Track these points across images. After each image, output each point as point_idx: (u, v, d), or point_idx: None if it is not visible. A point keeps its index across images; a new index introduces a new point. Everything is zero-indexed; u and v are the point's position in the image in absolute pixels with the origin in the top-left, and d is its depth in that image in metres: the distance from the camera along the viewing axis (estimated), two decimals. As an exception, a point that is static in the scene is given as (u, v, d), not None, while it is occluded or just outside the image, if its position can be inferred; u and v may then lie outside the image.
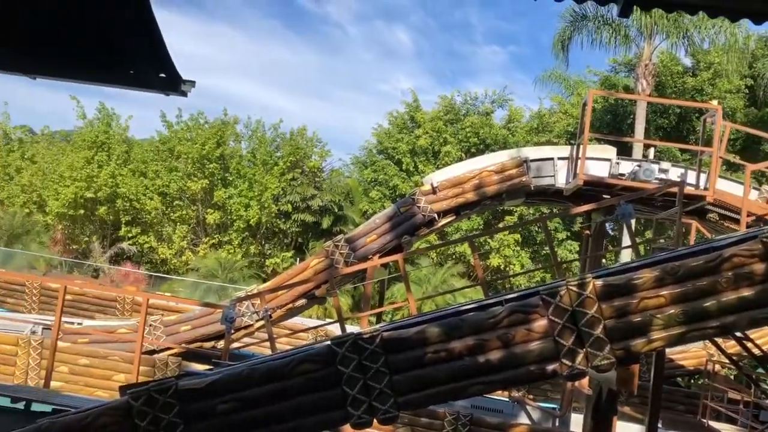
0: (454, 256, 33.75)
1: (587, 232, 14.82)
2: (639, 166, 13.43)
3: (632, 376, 6.35)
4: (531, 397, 17.89)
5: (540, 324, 6.46)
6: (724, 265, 6.41)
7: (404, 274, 12.08)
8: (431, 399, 6.68)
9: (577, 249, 29.61)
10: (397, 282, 25.69)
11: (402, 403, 6.51)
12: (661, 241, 10.70)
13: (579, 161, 13.27)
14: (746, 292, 6.34)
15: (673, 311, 6.33)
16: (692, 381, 21.45)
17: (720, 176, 14.36)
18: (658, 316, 6.34)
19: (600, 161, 13.84)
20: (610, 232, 32.24)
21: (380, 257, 13.54)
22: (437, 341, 6.54)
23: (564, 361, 6.33)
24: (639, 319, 6.35)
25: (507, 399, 17.07)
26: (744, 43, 31.58)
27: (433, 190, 14.54)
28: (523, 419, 14.92)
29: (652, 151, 17.56)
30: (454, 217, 15.10)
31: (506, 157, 14.90)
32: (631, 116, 30.14)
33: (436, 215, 14.38)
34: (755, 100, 31.18)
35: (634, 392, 6.36)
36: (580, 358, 6.31)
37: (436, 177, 14.98)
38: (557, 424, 14.60)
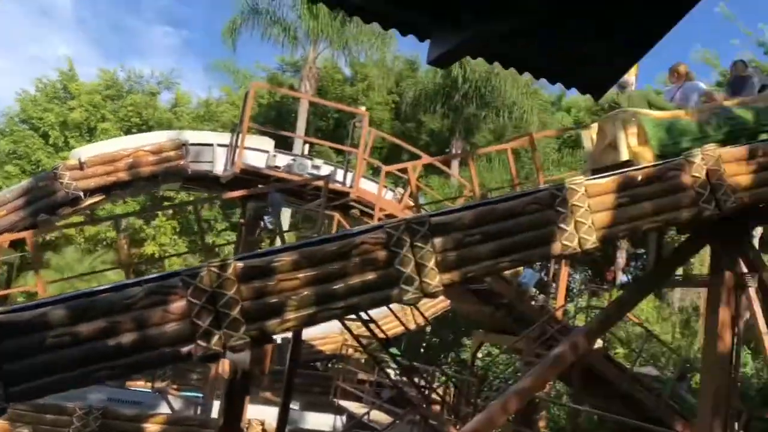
0: (105, 242, 31.50)
1: (242, 220, 15.05)
2: (294, 160, 14.08)
3: (265, 355, 6.57)
4: (176, 387, 17.53)
5: (178, 305, 6.28)
6: (353, 251, 7.01)
7: (34, 254, 10.78)
8: (50, 388, 6.04)
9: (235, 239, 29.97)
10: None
11: (14, 394, 5.77)
12: (308, 231, 11.40)
13: (238, 150, 13.38)
14: (370, 276, 7.02)
15: (306, 293, 6.70)
16: (330, 365, 23.25)
17: (365, 177, 15.82)
18: (293, 297, 6.66)
19: (258, 152, 14.16)
20: (269, 225, 33.38)
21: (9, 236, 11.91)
22: (61, 325, 5.95)
23: (199, 342, 6.25)
24: (275, 300, 6.58)
25: (149, 390, 16.45)
26: (393, 63, 35.48)
27: (81, 166, 13.31)
28: (165, 409, 14.51)
29: (307, 148, 18.56)
30: (103, 197, 14.05)
31: (165, 139, 14.36)
32: (294, 115, 31.57)
33: (81, 193, 13.20)
34: (399, 114, 35.16)
35: (265, 371, 6.59)
36: (215, 339, 6.30)
37: (86, 152, 13.76)
38: (199, 411, 14.53)
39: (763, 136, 9.58)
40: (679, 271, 21.21)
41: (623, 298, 10.48)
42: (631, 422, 13.51)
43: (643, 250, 31.40)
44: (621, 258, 31.54)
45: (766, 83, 10.38)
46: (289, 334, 12.13)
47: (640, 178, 8.54)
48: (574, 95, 35.82)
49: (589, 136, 10.42)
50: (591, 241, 8.18)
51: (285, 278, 6.64)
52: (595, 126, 10.69)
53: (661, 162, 9.06)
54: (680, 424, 14.83)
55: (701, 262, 24.95)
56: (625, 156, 9.79)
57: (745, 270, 10.43)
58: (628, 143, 9.55)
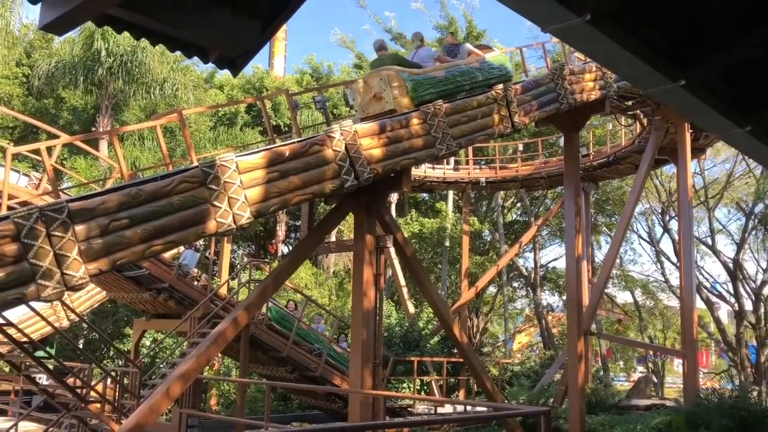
0: None
1: None
2: None
3: None
4: None
5: None
6: (-28, 247, 6.05)
7: None
8: None
9: None
10: None
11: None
12: None
13: None
14: (-2, 274, 6.15)
15: None
16: (-36, 380, 20.02)
17: (-9, 162, 13.74)
18: None
19: None
20: None
21: None
22: None
23: None
24: None
25: None
26: (22, 32, 31.33)
27: None
28: None
29: None
30: None
31: None
32: None
33: None
34: (33, 90, 31.31)
35: None
36: None
37: None
38: None
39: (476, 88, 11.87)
40: (333, 238, 23.00)
41: (280, 268, 10.95)
42: (293, 385, 14.31)
43: (300, 222, 33.26)
44: (281, 231, 33.02)
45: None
46: None
47: (287, 153, 8.95)
48: (226, 73, 35.93)
49: (358, 90, 11.41)
50: (245, 216, 8.34)
51: None
52: (360, 81, 11.56)
53: (306, 138, 9.62)
54: (338, 378, 16.19)
55: (350, 228, 27.38)
56: (390, 106, 10.83)
57: (383, 232, 11.74)
58: (392, 95, 10.77)
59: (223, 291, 15.97)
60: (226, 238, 21.29)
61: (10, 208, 10.11)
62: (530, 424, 14.12)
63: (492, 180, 25.31)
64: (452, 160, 25.28)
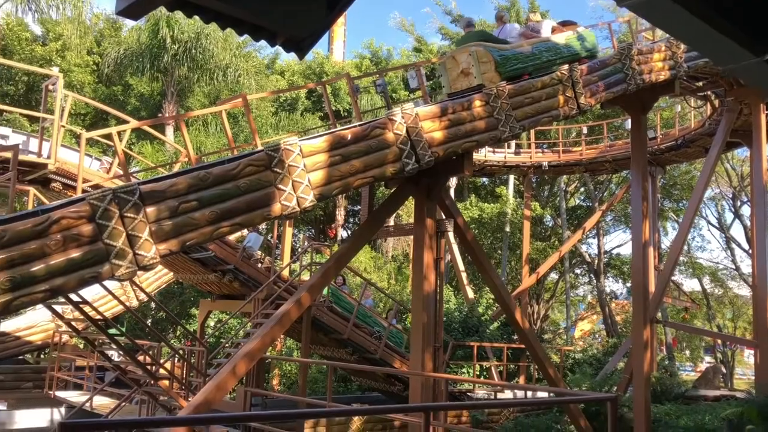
0: None
1: None
2: (-29, 131, 12.18)
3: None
4: None
5: None
6: (52, 227, 6.31)
7: None
8: None
9: None
10: None
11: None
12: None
13: None
14: (74, 254, 6.40)
15: (-2, 279, 5.90)
16: (43, 356, 21.05)
17: (66, 146, 14.29)
18: (-20, 286, 5.81)
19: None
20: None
21: None
22: None
23: None
24: (-44, 291, 5.69)
25: None
26: (93, 21, 32.39)
27: None
28: None
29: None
30: None
31: None
32: (-27, 78, 27.35)
33: None
34: (103, 77, 32.36)
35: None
36: None
37: None
38: None
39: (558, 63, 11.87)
40: (392, 222, 23.04)
41: (341, 252, 11.02)
42: (354, 366, 14.47)
43: (360, 207, 33.46)
44: (340, 215, 33.27)
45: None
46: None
47: (349, 136, 8.99)
48: (288, 59, 36.31)
49: (445, 66, 11.55)
50: (309, 199, 8.43)
51: (-33, 265, 5.75)
52: (448, 58, 11.69)
53: (367, 121, 9.64)
54: (398, 361, 16.28)
55: (408, 213, 27.38)
56: (478, 81, 10.96)
57: (443, 217, 11.69)
58: (480, 70, 10.90)
59: (286, 273, 16.23)
60: (287, 222, 21.61)
61: (84, 191, 10.51)
62: (593, 412, 13.90)
63: (555, 164, 24.84)
64: (513, 143, 24.91)
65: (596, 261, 34.56)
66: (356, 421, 15.69)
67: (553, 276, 35.60)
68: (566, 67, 11.61)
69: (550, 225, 35.64)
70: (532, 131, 23.61)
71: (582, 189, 36.11)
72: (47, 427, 13.28)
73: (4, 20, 28.98)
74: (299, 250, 24.33)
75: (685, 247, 31.54)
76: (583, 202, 37.16)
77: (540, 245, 31.37)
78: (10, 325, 17.78)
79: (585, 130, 26.14)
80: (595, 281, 35.52)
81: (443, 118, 10.00)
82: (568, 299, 35.31)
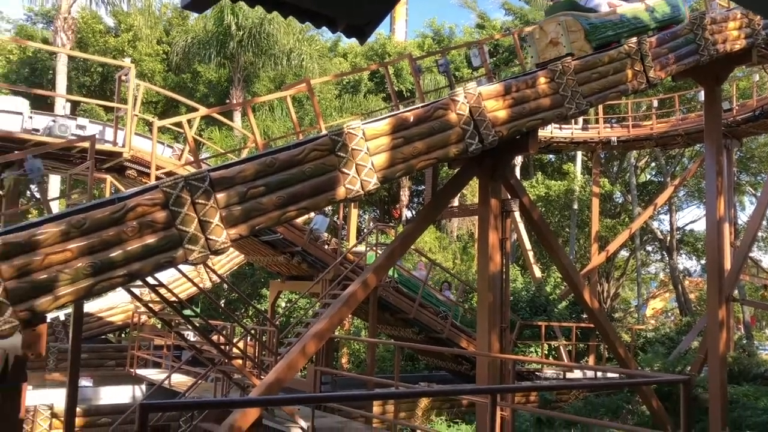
0: None
1: (0, 193, 13.45)
2: (54, 121, 12.77)
3: (39, 337, 6.03)
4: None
5: (-76, 296, 5.52)
6: (128, 214, 6.61)
7: None
8: None
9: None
10: None
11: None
12: (75, 196, 10.48)
13: (-16, 113, 11.83)
14: (150, 239, 6.69)
15: (80, 265, 6.23)
16: (123, 335, 22.06)
17: (139, 134, 14.84)
18: (66, 271, 6.15)
19: (11, 114, 12.64)
20: (36, 194, 30.23)
21: None
22: None
23: (-44, 333, 5.58)
24: (44, 276, 6.04)
25: None
26: (161, 11, 33.28)
27: None
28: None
29: (70, 107, 16.94)
30: None
31: None
32: (52, 71, 28.56)
33: None
34: (172, 66, 33.27)
35: (42, 354, 6.06)
36: (-24, 327, 5.65)
37: None
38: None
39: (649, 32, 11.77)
40: (456, 202, 22.97)
41: (406, 233, 11.10)
42: (421, 346, 14.60)
43: (424, 187, 33.43)
44: (404, 196, 33.34)
45: None
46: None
47: (411, 118, 9.01)
48: (350, 41, 36.44)
49: (534, 37, 11.61)
50: (372, 182, 8.52)
51: (53, 251, 6.11)
52: (536, 28, 11.75)
53: (429, 102, 9.62)
54: (464, 341, 16.32)
55: (473, 193, 27.21)
56: (567, 50, 10.98)
57: (508, 196, 11.59)
58: (569, 39, 10.94)
59: (352, 254, 16.44)
60: (353, 204, 21.85)
61: (157, 177, 10.92)
62: (665, 392, 13.61)
63: (624, 139, 24.14)
64: (581, 119, 24.33)
65: (668, 238, 33.51)
66: (424, 400, 15.86)
67: (624, 254, 34.75)
68: (634, 40, 11.26)
69: (620, 201, 34.73)
70: (600, 106, 22.97)
71: (653, 164, 34.99)
72: (129, 403, 13.96)
73: (79, 14, 30.10)
74: (365, 231, 24.57)
75: (764, 223, 30.19)
76: (654, 177, 36.02)
77: (609, 222, 30.64)
78: (92, 306, 18.70)
79: (656, 104, 25.25)
80: (667, 258, 34.48)
81: (507, 97, 9.88)
82: (639, 277, 34.44)
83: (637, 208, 30.74)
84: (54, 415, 12.40)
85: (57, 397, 12.46)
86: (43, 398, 12.71)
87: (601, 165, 29.07)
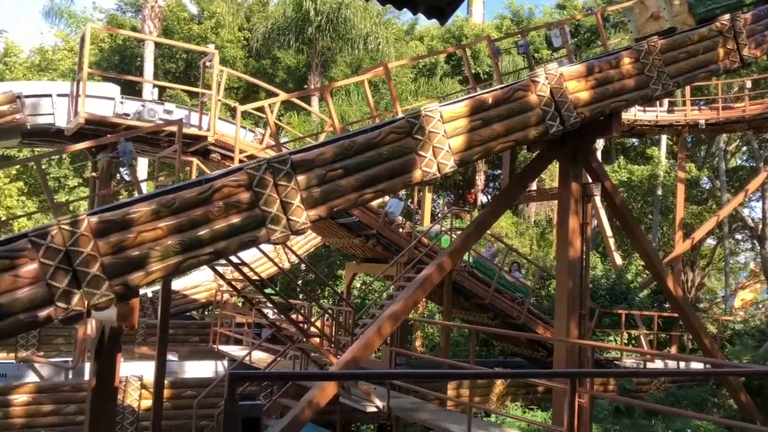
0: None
1: (94, 174, 14.18)
2: (143, 106, 13.33)
3: (132, 310, 6.36)
4: (42, 354, 16.64)
5: (29, 269, 5.92)
6: (215, 195, 6.85)
7: None
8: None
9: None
10: None
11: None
12: (162, 179, 10.95)
13: (80, 99, 12.45)
14: (235, 219, 6.93)
15: (170, 242, 6.52)
16: (206, 312, 22.92)
17: (223, 119, 15.29)
18: (156, 248, 6.46)
19: (103, 100, 13.26)
20: (125, 177, 31.69)
21: None
22: None
23: (59, 304, 5.96)
24: (137, 253, 6.36)
25: (12, 361, 15.54)
26: (241, -3, 34.02)
27: None
28: (32, 379, 13.78)
29: (157, 92, 17.62)
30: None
31: (-5, 92, 13.06)
32: (140, 58, 29.73)
33: None
34: (253, 52, 34.00)
35: (135, 327, 6.40)
36: (76, 299, 6.02)
37: None
38: (70, 376, 13.92)
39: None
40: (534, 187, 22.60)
41: (482, 217, 11.03)
42: (497, 330, 14.51)
43: (500, 171, 33.03)
44: (480, 180, 33.04)
45: None
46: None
47: (490, 100, 8.92)
48: (426, 24, 36.22)
49: (633, 11, 11.44)
50: (449, 165, 8.51)
51: (145, 229, 6.42)
52: (636, 2, 11.54)
53: (508, 84, 9.49)
54: (541, 328, 16.11)
55: (552, 177, 26.67)
56: (669, 24, 10.84)
57: (589, 180, 11.33)
58: (672, 13, 10.76)
59: (426, 238, 16.47)
60: (427, 188, 21.83)
61: (240, 161, 11.24)
62: (755, 386, 13.05)
63: (713, 122, 23.05)
64: (666, 101, 23.37)
65: (760, 226, 31.86)
66: (499, 385, 15.77)
67: (710, 242, 33.32)
68: (727, 17, 10.73)
69: (707, 187, 33.26)
70: (688, 87, 22.01)
71: (744, 148, 33.28)
72: (213, 378, 14.52)
73: (165, 2, 31.16)
74: (439, 215, 24.54)
75: None
76: (745, 162, 34.28)
77: (695, 209, 29.43)
78: (177, 284, 19.50)
79: (749, 84, 23.97)
80: (758, 248, 32.81)
81: (590, 78, 9.63)
82: (727, 267, 32.99)
83: (726, 194, 29.38)
84: (143, 386, 13.06)
85: (146, 370, 13.11)
86: (133, 370, 13.39)
87: (688, 149, 27.89)
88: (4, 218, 28.75)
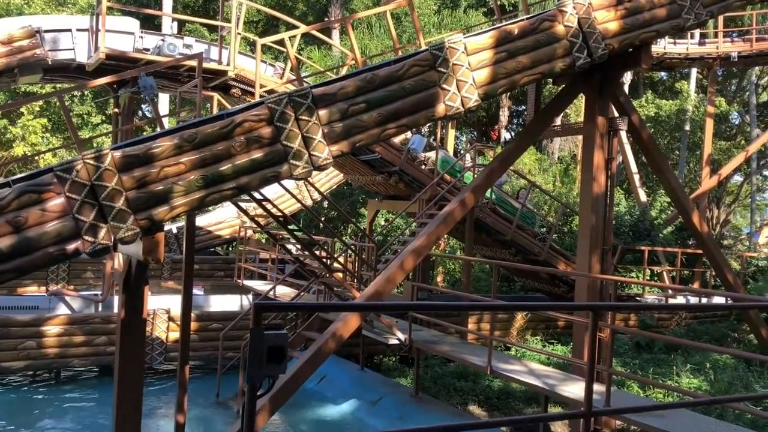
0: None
1: (116, 110, 14.20)
2: (163, 40, 13.19)
3: (158, 244, 6.44)
4: (72, 287, 17.09)
5: (56, 203, 5.99)
6: (236, 130, 6.82)
7: None
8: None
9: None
10: None
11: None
12: (183, 114, 10.90)
13: (99, 34, 12.34)
14: (257, 154, 6.91)
15: (192, 177, 6.54)
16: (230, 248, 23.25)
17: (242, 53, 15.10)
18: (180, 183, 6.48)
19: (123, 34, 13.15)
20: (147, 113, 31.71)
21: None
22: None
23: (86, 238, 6.05)
24: (161, 187, 6.39)
25: (44, 294, 15.98)
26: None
27: None
28: (63, 311, 14.19)
29: (176, 26, 17.39)
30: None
31: (15, 27, 12.99)
32: (158, -8, 29.27)
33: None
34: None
35: (161, 260, 6.49)
36: (103, 232, 6.10)
37: None
38: (100, 309, 14.30)
39: None
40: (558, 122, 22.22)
41: (506, 152, 10.90)
42: (518, 266, 14.55)
43: (524, 107, 32.47)
44: (503, 116, 32.56)
45: None
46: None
47: (516, 31, 8.67)
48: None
49: None
50: (473, 99, 8.35)
51: (168, 164, 6.43)
52: None
53: (535, 14, 9.20)
54: (562, 263, 16.12)
55: (577, 112, 26.17)
56: None
57: (616, 114, 11.08)
58: None
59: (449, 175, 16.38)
60: (450, 124, 21.57)
61: (261, 96, 11.15)
62: (776, 322, 13.02)
63: (746, 54, 22.25)
64: (697, 32, 22.58)
65: (790, 162, 31.22)
66: (519, 320, 15.94)
67: (737, 178, 32.76)
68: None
69: (737, 123, 32.47)
70: (720, 18, 21.21)
71: (777, 82, 32.29)
72: (238, 311, 14.83)
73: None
74: (461, 151, 24.32)
75: None
76: (778, 96, 33.32)
77: (723, 145, 28.81)
78: (201, 220, 19.73)
79: (786, 14, 23.03)
80: (787, 184, 32.26)
81: (619, 7, 9.29)
82: (753, 203, 32.50)
83: (756, 129, 28.68)
84: (171, 319, 13.40)
85: (173, 303, 13.41)
86: (160, 303, 13.70)
87: (718, 83, 27.13)
88: (29, 154, 29.08)
